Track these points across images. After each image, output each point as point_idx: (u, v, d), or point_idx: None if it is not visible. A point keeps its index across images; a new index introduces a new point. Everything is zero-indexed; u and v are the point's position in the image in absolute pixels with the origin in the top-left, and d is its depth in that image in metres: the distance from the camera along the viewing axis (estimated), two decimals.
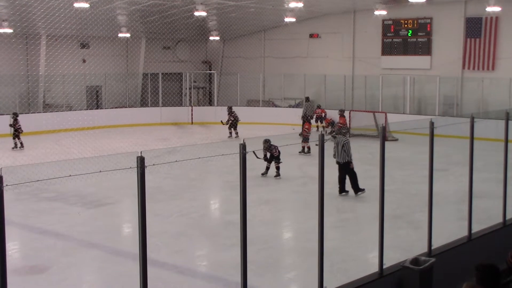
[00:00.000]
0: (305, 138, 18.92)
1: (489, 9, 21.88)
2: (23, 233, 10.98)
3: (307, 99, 25.47)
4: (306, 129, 19.37)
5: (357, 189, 13.11)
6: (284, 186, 14.89)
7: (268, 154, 15.14)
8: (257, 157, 14.07)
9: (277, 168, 15.15)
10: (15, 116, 20.67)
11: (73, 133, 22.69)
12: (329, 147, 12.66)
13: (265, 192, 13.70)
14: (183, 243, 10.35)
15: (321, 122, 24.98)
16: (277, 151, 14.94)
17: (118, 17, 24.88)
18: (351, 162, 13.04)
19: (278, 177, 15.11)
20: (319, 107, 25.49)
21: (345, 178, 13.18)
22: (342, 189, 13.22)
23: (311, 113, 24.46)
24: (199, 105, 30.05)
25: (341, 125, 19.66)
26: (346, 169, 13.08)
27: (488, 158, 14.84)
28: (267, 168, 15.22)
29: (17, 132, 20.17)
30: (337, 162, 13.10)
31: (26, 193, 13.03)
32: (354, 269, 8.35)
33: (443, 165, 15.65)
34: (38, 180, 5.78)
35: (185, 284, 8.60)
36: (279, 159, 15.13)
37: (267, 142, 14.98)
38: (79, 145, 18.81)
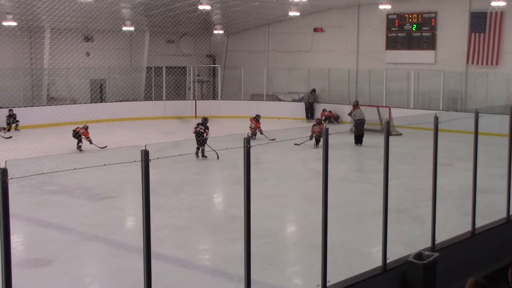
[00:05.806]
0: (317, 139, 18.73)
1: (494, 3, 21.74)
2: (27, 226, 11.02)
3: (313, 90, 27.24)
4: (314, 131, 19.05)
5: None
6: (288, 181, 14.89)
7: None
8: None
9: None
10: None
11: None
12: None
13: (269, 186, 13.69)
14: (186, 237, 10.37)
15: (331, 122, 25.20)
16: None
17: (122, 10, 24.84)
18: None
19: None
20: (324, 110, 25.73)
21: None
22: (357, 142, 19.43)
23: (312, 101, 26.86)
24: (203, 99, 30.00)
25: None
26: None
27: (492, 153, 14.89)
28: None
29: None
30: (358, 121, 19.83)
31: (30, 186, 13.05)
32: (357, 264, 8.35)
33: (447, 159, 15.63)
34: (42, 173, 5.78)
35: (188, 277, 8.62)
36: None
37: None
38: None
